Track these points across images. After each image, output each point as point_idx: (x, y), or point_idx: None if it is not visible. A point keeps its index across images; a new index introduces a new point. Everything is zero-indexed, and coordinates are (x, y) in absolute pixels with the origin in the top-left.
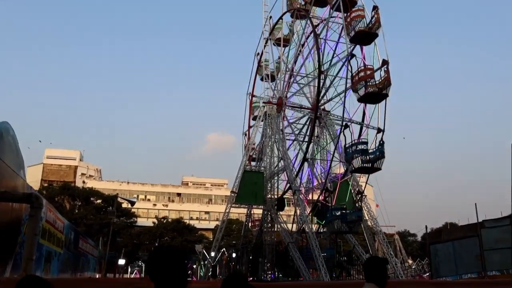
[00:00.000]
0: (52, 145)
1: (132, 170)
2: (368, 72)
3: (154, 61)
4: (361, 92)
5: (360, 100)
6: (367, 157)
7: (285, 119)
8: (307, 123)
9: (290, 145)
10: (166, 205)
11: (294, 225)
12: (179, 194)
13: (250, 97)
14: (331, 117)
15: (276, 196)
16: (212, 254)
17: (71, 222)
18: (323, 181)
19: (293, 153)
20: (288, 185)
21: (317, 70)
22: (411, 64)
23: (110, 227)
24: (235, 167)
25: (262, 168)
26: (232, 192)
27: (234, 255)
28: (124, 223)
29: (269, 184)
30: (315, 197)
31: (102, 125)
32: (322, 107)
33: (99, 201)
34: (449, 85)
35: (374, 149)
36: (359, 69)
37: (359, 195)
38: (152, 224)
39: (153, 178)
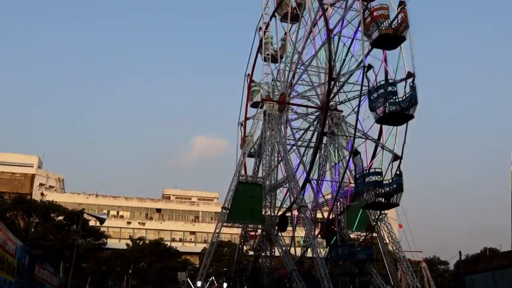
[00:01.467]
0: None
1: (101, 181)
2: (383, 12)
3: (138, 54)
4: (375, 36)
5: (373, 44)
6: (397, 106)
7: (289, 120)
8: (314, 122)
9: (303, 154)
10: (143, 224)
11: (298, 249)
12: (159, 210)
13: (242, 128)
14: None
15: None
16: (199, 284)
17: (25, 244)
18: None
19: (297, 160)
20: (292, 200)
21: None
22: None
23: (74, 250)
24: (227, 178)
25: (260, 180)
26: (223, 208)
27: (225, 285)
28: (91, 245)
29: (269, 199)
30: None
31: (65, 126)
32: (334, 102)
33: (60, 217)
34: (482, 90)
35: (405, 95)
36: (372, 9)
37: (397, 160)
38: (125, 247)
39: (128, 191)
